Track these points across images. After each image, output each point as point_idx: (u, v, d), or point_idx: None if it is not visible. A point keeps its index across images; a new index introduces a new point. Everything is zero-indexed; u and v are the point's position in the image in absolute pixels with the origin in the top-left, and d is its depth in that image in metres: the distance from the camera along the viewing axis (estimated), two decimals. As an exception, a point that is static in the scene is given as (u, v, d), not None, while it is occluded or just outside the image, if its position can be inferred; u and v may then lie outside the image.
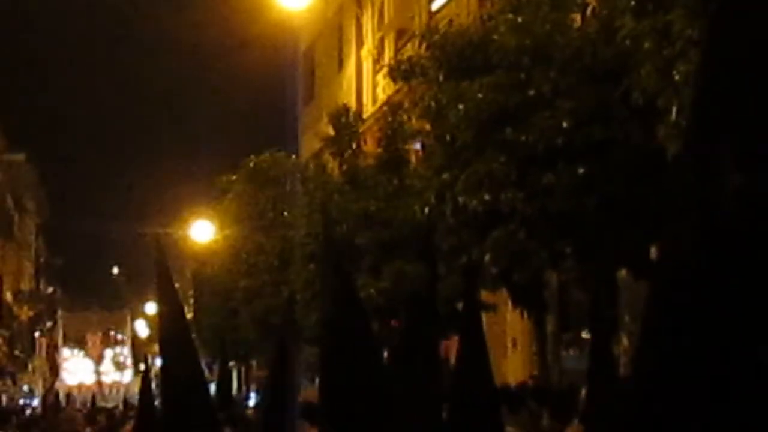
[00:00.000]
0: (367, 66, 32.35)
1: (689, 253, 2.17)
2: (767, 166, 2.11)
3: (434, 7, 26.36)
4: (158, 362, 6.76)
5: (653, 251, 12.32)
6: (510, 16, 13.54)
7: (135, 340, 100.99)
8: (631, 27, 10.30)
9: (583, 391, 9.00)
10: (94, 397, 46.80)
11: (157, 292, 6.12)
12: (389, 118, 20.42)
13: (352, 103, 28.39)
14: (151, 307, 67.98)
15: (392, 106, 21.11)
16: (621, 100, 11.69)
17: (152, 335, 70.21)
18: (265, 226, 29.78)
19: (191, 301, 37.83)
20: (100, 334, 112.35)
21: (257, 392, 32.84)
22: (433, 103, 14.03)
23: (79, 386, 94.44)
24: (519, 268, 13.15)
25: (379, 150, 20.74)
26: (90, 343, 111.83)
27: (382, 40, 30.96)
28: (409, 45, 24.89)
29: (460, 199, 13.25)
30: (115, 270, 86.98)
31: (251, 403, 29.88)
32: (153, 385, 7.04)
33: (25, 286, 70.60)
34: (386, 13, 30.98)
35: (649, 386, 2.18)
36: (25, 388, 65.49)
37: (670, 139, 9.53)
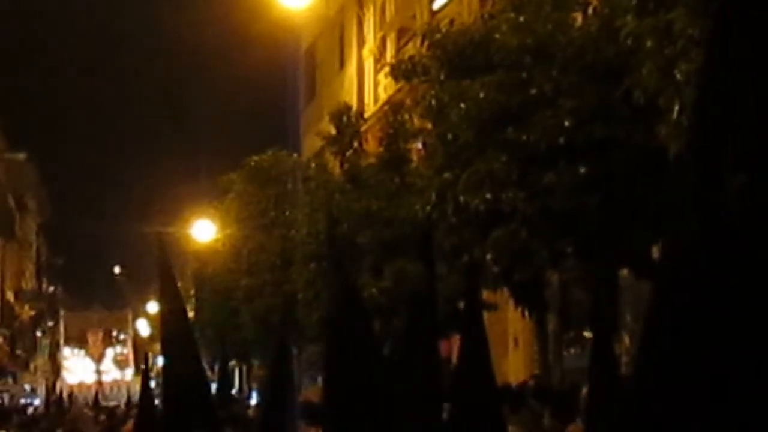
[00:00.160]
0: (369, 65, 32.36)
1: (691, 253, 2.17)
2: (769, 165, 2.12)
3: (436, 6, 26.37)
4: (160, 361, 6.79)
5: (655, 251, 12.32)
6: (511, 15, 13.54)
7: (136, 339, 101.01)
8: (633, 26, 10.29)
9: (584, 391, 8.99)
10: (97, 396, 46.79)
11: (159, 291, 6.13)
12: (390, 117, 20.43)
13: (354, 102, 28.39)
14: (152, 307, 67.99)
15: (393, 105, 21.12)
16: (622, 100, 11.68)
17: (154, 334, 70.24)
18: (267, 225, 29.78)
19: (193, 300, 37.83)
20: (101, 333, 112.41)
21: (258, 391, 32.86)
22: (434, 102, 14.03)
23: (80, 385, 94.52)
24: (520, 267, 13.15)
25: (381, 149, 20.74)
26: (91, 343, 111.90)
27: (383, 39, 30.97)
28: (410, 44, 24.91)
29: (462, 199, 13.25)
30: (117, 269, 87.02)
31: (252, 402, 29.88)
32: (153, 384, 7.05)
33: (27, 285, 70.65)
34: (388, 12, 30.99)
35: (651, 386, 2.18)
36: (27, 387, 65.51)
37: (672, 138, 9.52)
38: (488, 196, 12.99)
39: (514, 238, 12.93)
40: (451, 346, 15.29)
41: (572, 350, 18.61)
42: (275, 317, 25.07)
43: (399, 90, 22.67)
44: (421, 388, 4.76)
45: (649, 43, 9.94)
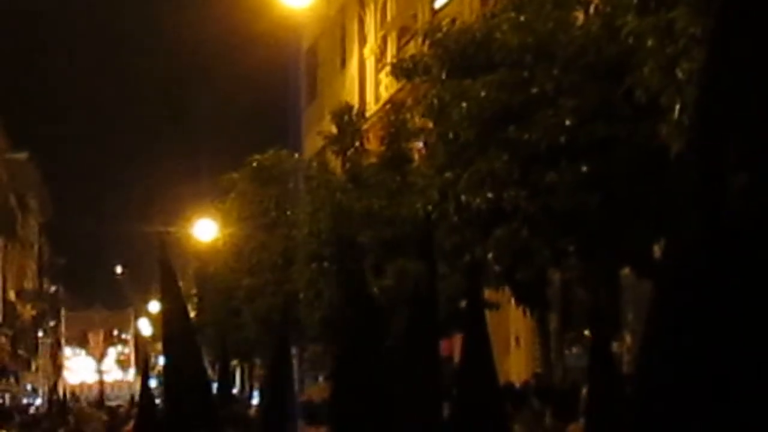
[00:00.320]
0: (370, 64, 32.35)
1: (692, 252, 2.16)
2: (771, 164, 2.11)
3: (437, 5, 26.37)
4: (161, 361, 6.78)
5: (656, 249, 12.32)
6: (513, 14, 13.54)
7: (138, 338, 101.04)
8: (634, 25, 10.29)
9: (585, 390, 8.99)
10: (102, 395, 46.79)
11: (161, 291, 6.14)
12: (392, 117, 20.43)
13: (355, 102, 28.38)
14: (154, 306, 67.97)
15: (395, 105, 21.13)
16: (624, 99, 11.67)
17: (155, 334, 70.23)
18: (268, 224, 29.78)
19: (194, 299, 37.84)
20: (102, 332, 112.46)
21: (260, 391, 32.86)
22: (435, 101, 14.02)
23: (81, 385, 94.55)
24: (522, 266, 13.15)
25: (382, 148, 20.74)
26: (92, 342, 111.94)
27: (384, 39, 30.97)
28: (411, 43, 24.91)
29: (463, 198, 13.25)
30: (118, 269, 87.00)
31: (254, 401, 29.89)
32: (155, 384, 7.06)
33: (29, 285, 70.65)
34: (389, 11, 30.99)
35: (653, 384, 2.18)
36: (29, 387, 65.52)
37: (673, 137, 9.52)
38: (490, 195, 12.99)
39: (516, 237, 12.93)
40: (453, 346, 15.30)
41: (574, 349, 18.60)
42: (277, 317, 25.04)
43: (400, 89, 22.68)
44: (421, 387, 4.76)
45: (650, 42, 9.94)
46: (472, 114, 13.30)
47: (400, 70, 15.80)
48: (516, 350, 21.32)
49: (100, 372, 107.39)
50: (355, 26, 33.81)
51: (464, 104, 13.38)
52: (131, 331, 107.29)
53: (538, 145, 12.71)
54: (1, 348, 57.89)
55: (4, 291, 59.25)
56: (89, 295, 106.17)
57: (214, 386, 16.58)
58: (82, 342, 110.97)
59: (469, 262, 13.16)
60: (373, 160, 20.91)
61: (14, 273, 63.87)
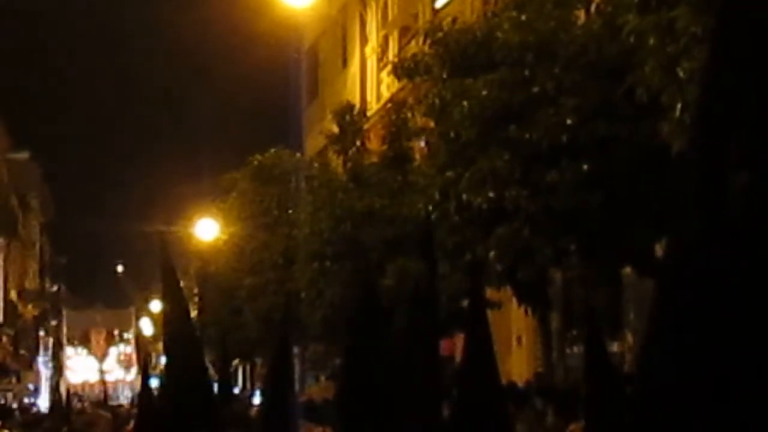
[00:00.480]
0: (371, 63, 32.34)
1: (694, 251, 2.16)
2: (773, 163, 2.11)
3: (438, 4, 26.36)
4: (163, 360, 6.78)
5: (657, 248, 12.32)
6: (514, 13, 13.54)
7: (139, 338, 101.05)
8: (635, 23, 10.28)
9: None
10: (105, 394, 46.77)
11: (162, 291, 6.13)
12: (393, 116, 20.44)
13: (356, 101, 28.37)
14: (155, 306, 67.99)
15: (396, 104, 21.12)
16: (625, 97, 11.67)
17: (157, 333, 70.27)
18: (270, 223, 29.80)
19: (195, 299, 37.85)
20: (104, 332, 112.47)
21: (261, 390, 32.86)
22: (437, 101, 14.03)
23: (83, 384, 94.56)
24: (523, 265, 13.15)
25: (384, 147, 20.75)
26: (94, 342, 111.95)
27: (386, 38, 30.95)
28: (413, 42, 24.90)
29: (465, 197, 13.25)
30: (120, 268, 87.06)
31: (256, 400, 29.90)
32: (156, 383, 7.05)
33: (30, 284, 70.64)
34: (390, 10, 30.98)
35: (654, 384, 2.18)
36: (30, 386, 65.52)
37: (675, 136, 9.51)
38: (491, 194, 12.99)
39: (517, 237, 12.93)
40: (455, 345, 15.30)
41: (575, 348, 18.58)
42: (278, 316, 25.05)
43: (401, 88, 22.67)
44: (421, 387, 4.75)
45: (651, 41, 9.93)
46: (474, 113, 13.30)
47: (401, 70, 15.80)
48: (517, 350, 21.32)
49: (102, 371, 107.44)
50: (357, 25, 33.80)
51: (465, 103, 13.38)
52: (132, 330, 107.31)
53: (540, 144, 12.71)
54: (3, 347, 57.90)
55: (6, 290, 59.25)
56: (90, 294, 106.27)
57: (216, 386, 16.59)
58: (83, 341, 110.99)
59: (471, 261, 13.16)
60: (375, 159, 20.92)
61: (16, 272, 63.89)
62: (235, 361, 36.62)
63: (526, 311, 15.52)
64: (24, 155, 63.68)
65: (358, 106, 24.89)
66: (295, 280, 23.27)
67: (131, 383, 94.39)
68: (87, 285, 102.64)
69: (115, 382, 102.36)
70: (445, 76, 14.09)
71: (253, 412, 20.15)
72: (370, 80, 32.29)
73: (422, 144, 18.02)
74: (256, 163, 31.40)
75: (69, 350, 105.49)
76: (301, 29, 32.08)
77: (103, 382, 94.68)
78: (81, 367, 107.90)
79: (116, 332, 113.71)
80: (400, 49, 27.86)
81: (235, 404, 16.10)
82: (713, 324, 2.11)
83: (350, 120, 22.16)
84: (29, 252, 71.18)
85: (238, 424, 11.20)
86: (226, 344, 25.51)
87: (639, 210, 12.11)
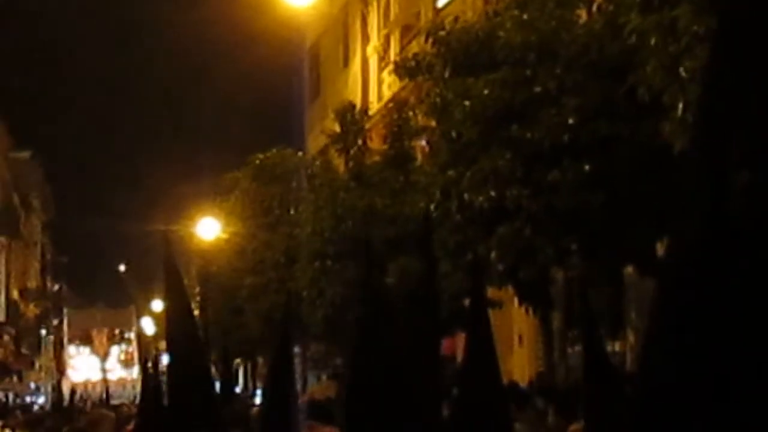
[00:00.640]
0: (373, 63, 32.34)
1: (695, 250, 2.16)
2: (774, 162, 2.11)
3: (440, 3, 26.35)
4: (164, 359, 6.77)
5: (659, 248, 12.31)
6: (515, 12, 13.54)
7: (141, 337, 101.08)
8: (637, 23, 10.28)
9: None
10: (107, 393, 46.77)
11: (165, 290, 6.12)
12: (395, 115, 20.45)
13: (358, 100, 28.39)
14: (157, 305, 68.00)
15: (398, 103, 21.14)
16: (627, 97, 11.67)
17: (158, 333, 70.29)
18: (271, 223, 29.80)
19: (197, 298, 37.85)
20: (106, 331, 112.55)
21: (263, 389, 32.86)
22: (438, 100, 14.03)
23: (86, 383, 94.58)
24: (525, 264, 13.15)
25: (385, 147, 20.76)
26: (96, 341, 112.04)
27: (387, 37, 30.95)
28: (414, 42, 24.89)
29: (466, 196, 13.25)
30: (121, 267, 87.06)
31: (257, 400, 29.90)
32: (157, 382, 7.04)
33: (32, 283, 70.68)
34: (392, 9, 30.97)
35: (655, 383, 2.18)
36: (32, 385, 65.55)
37: (676, 135, 9.51)
38: (492, 193, 12.99)
39: (519, 236, 12.93)
40: (456, 344, 15.30)
41: (577, 348, 18.57)
42: (279, 315, 25.06)
43: (403, 87, 22.67)
44: (420, 386, 4.75)
45: (653, 40, 9.93)
46: (475, 112, 13.30)
47: (403, 69, 15.80)
48: (519, 349, 21.31)
49: (104, 370, 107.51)
50: (358, 24, 33.80)
51: (467, 103, 13.38)
52: (134, 329, 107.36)
53: (541, 144, 12.71)
54: (5, 346, 57.92)
55: (8, 290, 59.28)
56: (91, 293, 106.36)
57: (218, 385, 16.58)
58: (85, 340, 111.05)
59: (472, 260, 13.14)
60: (376, 158, 20.93)
61: (17, 272, 63.92)
62: (237, 361, 36.63)
63: (527, 311, 15.52)
64: (25, 155, 63.75)
65: (359, 105, 24.91)
66: (297, 280, 23.28)
67: (133, 382, 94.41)
68: (88, 284, 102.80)
69: (118, 381, 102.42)
70: (446, 75, 14.09)
71: (254, 411, 20.15)
72: (372, 79, 32.28)
73: (424, 143, 18.02)
74: (257, 162, 31.41)
75: (71, 349, 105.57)
76: (303, 28, 32.04)
77: (105, 380, 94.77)
78: (83, 366, 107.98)
79: (117, 331, 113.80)
80: (402, 48, 27.86)
81: (236, 403, 16.11)
82: (714, 324, 2.11)
83: (352, 119, 22.16)
84: (31, 251, 71.22)
85: (238, 424, 11.20)
86: (227, 343, 25.54)
87: (641, 209, 12.10)
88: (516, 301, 15.48)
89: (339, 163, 22.71)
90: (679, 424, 2.13)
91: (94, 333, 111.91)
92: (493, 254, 13.12)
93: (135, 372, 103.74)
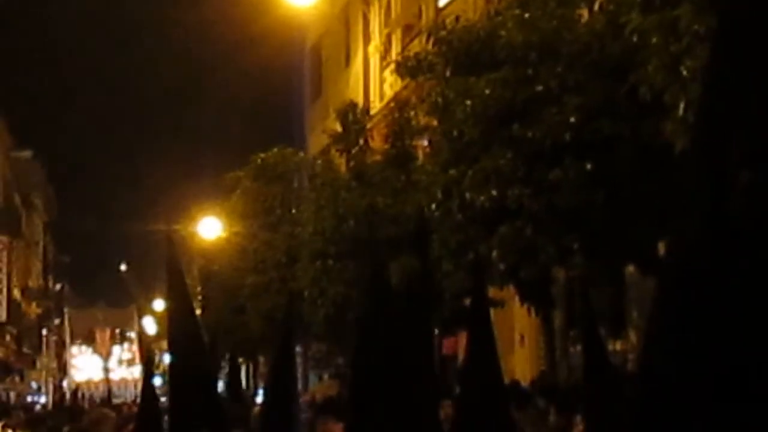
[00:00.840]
0: (374, 62, 32.33)
1: (696, 250, 2.16)
2: (775, 162, 2.11)
3: (441, 3, 26.34)
4: (166, 359, 6.78)
5: (660, 247, 12.31)
6: (517, 11, 13.54)
7: (142, 337, 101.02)
8: (638, 22, 10.28)
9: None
10: (110, 392, 46.78)
11: (168, 289, 6.13)
12: (396, 115, 20.44)
13: (359, 100, 28.39)
14: (159, 305, 68.00)
15: (399, 103, 21.12)
16: (628, 96, 11.67)
17: (160, 332, 70.29)
18: (273, 222, 29.80)
19: (199, 297, 37.85)
20: (108, 330, 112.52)
21: (264, 389, 32.86)
22: (440, 99, 14.03)
23: (88, 383, 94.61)
24: (526, 264, 13.15)
25: (387, 146, 20.75)
26: (99, 340, 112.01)
27: (389, 37, 30.94)
28: (416, 41, 24.88)
29: (468, 195, 13.25)
30: (123, 267, 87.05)
31: (259, 399, 29.90)
32: (159, 382, 7.04)
33: (33, 283, 70.67)
34: (393, 9, 30.96)
35: (656, 383, 2.18)
36: (33, 385, 65.55)
37: (678, 134, 9.51)
38: (494, 192, 12.99)
39: (520, 235, 12.93)
40: (458, 344, 15.31)
41: (578, 347, 18.57)
42: (281, 315, 25.06)
43: (405, 87, 22.66)
44: (419, 385, 4.76)
45: (654, 40, 9.93)
46: (477, 112, 13.30)
47: (404, 68, 15.81)
48: (520, 348, 21.31)
49: (106, 370, 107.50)
50: (360, 24, 33.79)
51: (468, 102, 13.38)
52: (135, 329, 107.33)
53: (543, 143, 12.71)
54: (6, 346, 57.93)
55: (9, 289, 59.27)
56: (93, 293, 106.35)
57: (224, 385, 16.61)
58: (87, 340, 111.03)
59: (474, 259, 13.15)
60: (378, 158, 20.93)
61: (19, 271, 63.92)
62: (239, 360, 36.55)
63: (528, 310, 15.52)
64: (27, 154, 63.76)
65: (361, 104, 24.90)
66: (298, 279, 23.27)
67: (135, 381, 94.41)
68: (90, 284, 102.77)
69: (120, 381, 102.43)
70: (448, 74, 14.09)
71: (256, 411, 20.15)
72: (373, 79, 32.27)
73: (425, 142, 18.03)
74: (259, 161, 31.41)
75: (74, 349, 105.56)
76: (304, 28, 32.06)
77: (107, 380, 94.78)
78: (85, 366, 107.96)
79: (118, 331, 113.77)
80: (403, 47, 27.84)
81: (236, 403, 16.11)
82: (715, 323, 2.11)
83: (353, 119, 22.16)
84: (32, 251, 71.22)
85: (240, 423, 11.20)
86: (227, 343, 25.53)
87: (642, 209, 12.10)
88: (517, 300, 15.47)
89: (340, 162, 22.71)
90: (679, 424, 2.13)
91: (97, 332, 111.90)
92: (494, 253, 13.11)
93: (136, 372, 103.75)
